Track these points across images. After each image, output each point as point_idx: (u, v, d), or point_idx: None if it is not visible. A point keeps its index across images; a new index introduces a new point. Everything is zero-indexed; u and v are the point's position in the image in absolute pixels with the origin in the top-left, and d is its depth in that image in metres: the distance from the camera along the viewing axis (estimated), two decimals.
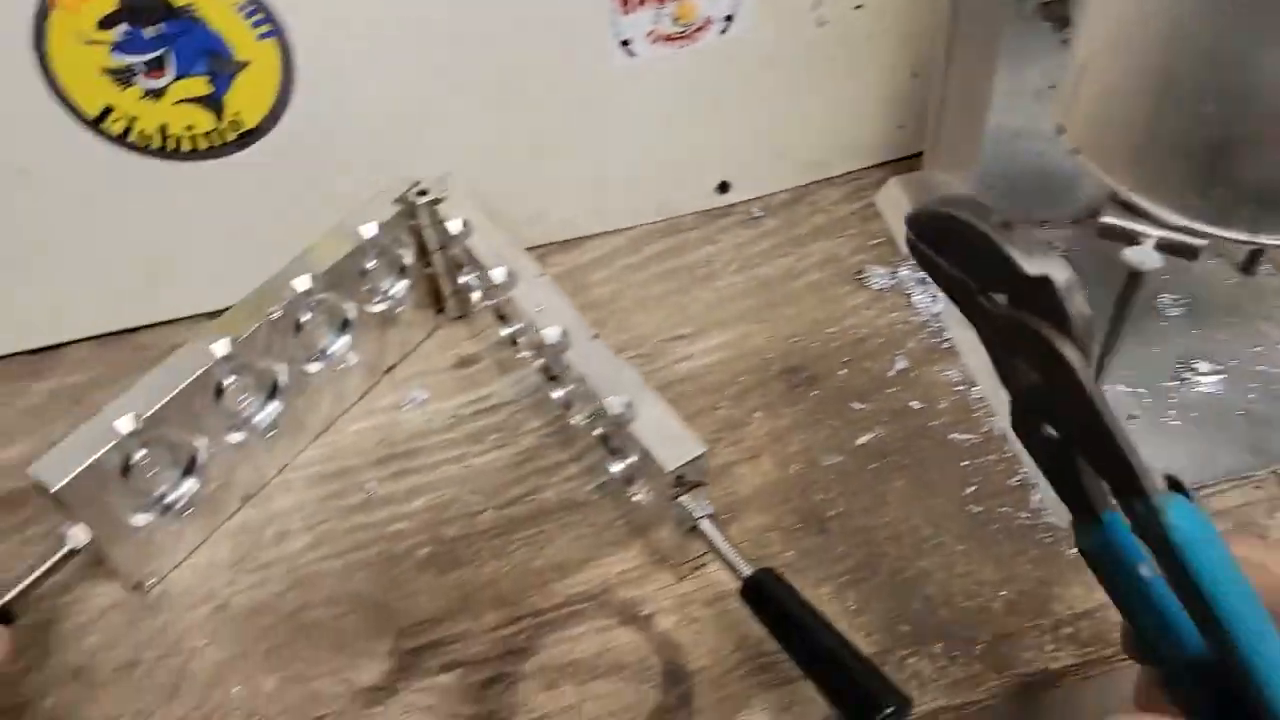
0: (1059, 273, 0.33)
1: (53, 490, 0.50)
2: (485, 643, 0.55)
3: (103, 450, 0.51)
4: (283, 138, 0.64)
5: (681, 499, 0.52)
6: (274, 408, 0.59)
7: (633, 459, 0.55)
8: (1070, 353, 0.33)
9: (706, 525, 0.52)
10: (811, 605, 0.49)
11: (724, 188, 0.79)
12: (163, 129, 0.61)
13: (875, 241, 0.77)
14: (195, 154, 0.63)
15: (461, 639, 0.55)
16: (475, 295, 0.66)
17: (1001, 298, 0.35)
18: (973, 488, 0.61)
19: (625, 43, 0.67)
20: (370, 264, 0.61)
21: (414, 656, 0.55)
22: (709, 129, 0.75)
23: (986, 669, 0.53)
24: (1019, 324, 0.34)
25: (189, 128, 0.62)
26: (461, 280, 0.66)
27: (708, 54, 0.69)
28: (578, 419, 0.59)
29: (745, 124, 0.76)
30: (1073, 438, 0.35)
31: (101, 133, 0.60)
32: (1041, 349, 0.33)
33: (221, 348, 0.54)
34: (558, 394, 0.59)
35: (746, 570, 0.51)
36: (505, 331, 0.63)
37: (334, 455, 0.64)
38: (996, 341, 0.36)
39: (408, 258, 0.65)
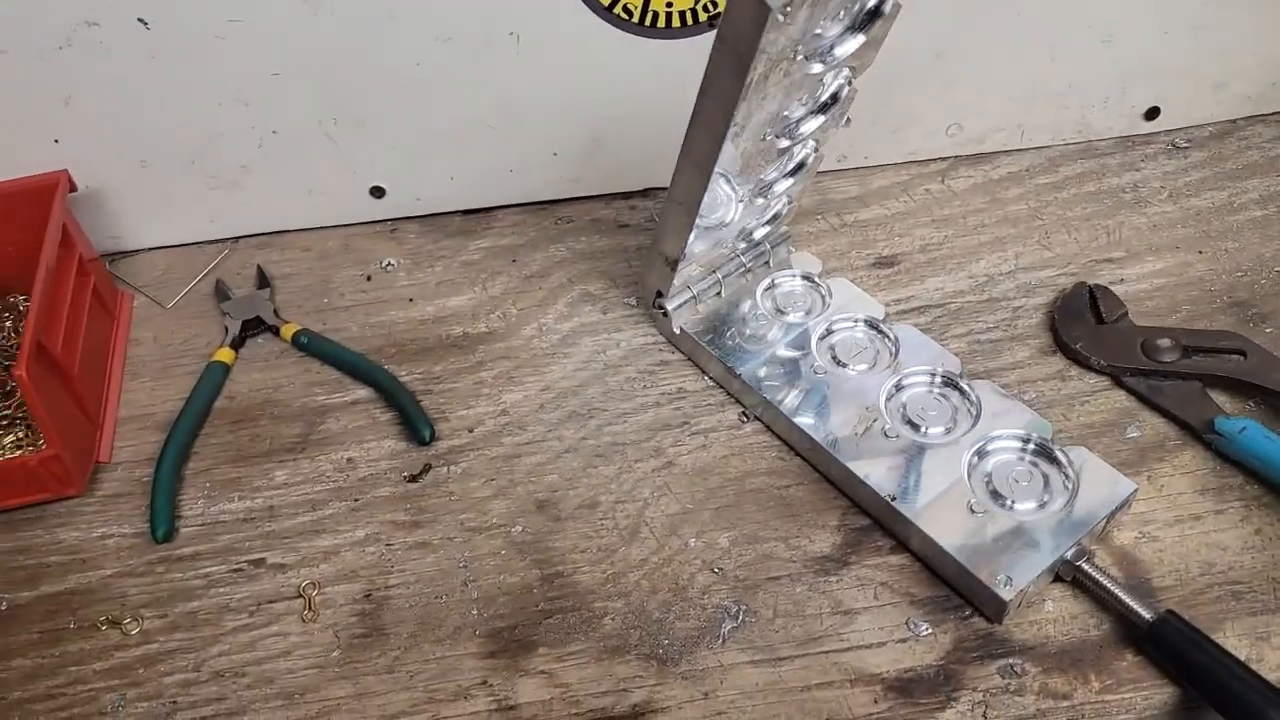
0: None
1: None
2: None
3: None
4: None
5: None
6: None
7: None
8: None
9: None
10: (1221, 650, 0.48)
11: (1153, 114, 0.75)
12: (646, 3, 0.63)
13: None
14: (668, 30, 0.65)
15: None
16: None
17: None
18: None
19: None
20: None
21: (862, 534, 0.56)
22: (1151, 49, 0.72)
23: None
24: None
25: (669, 4, 0.64)
26: None
27: None
28: None
29: (1189, 48, 0.72)
30: None
31: (594, 2, 0.63)
32: None
33: None
34: None
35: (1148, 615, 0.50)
36: None
37: None
38: None
39: None
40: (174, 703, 0.52)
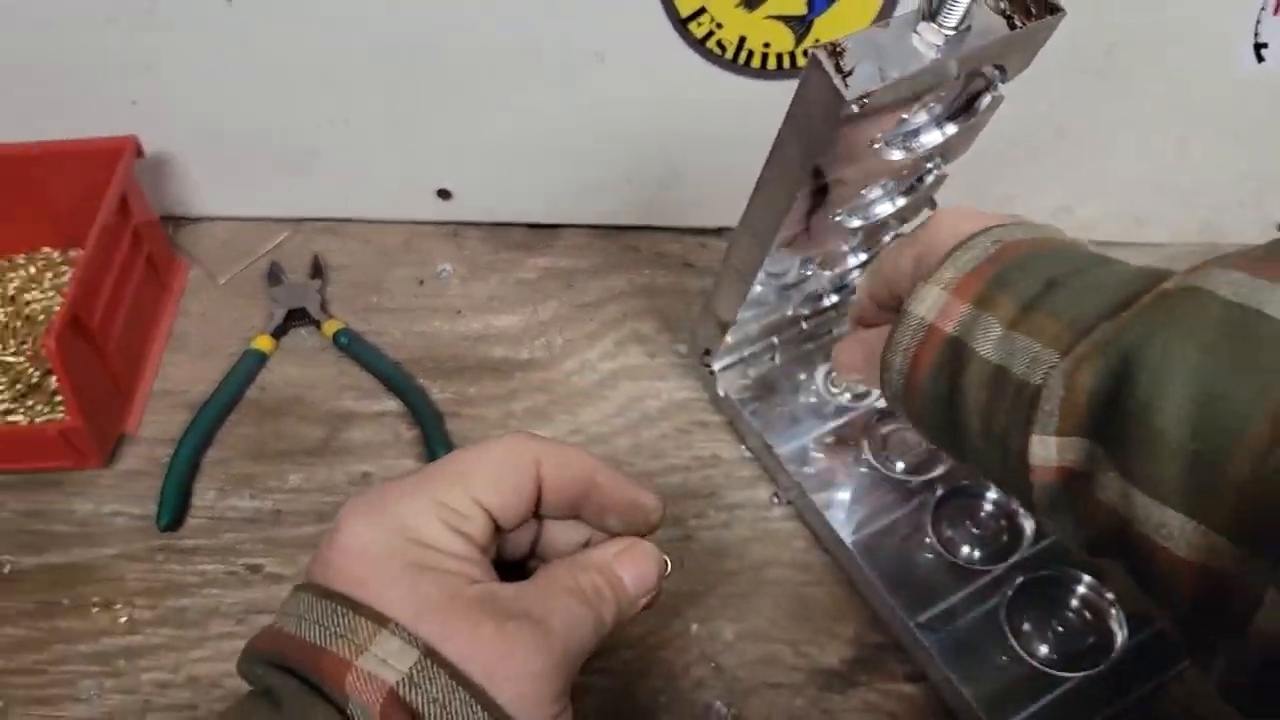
0: None
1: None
2: None
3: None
4: None
5: None
6: None
7: None
8: None
9: None
10: None
11: None
12: (741, 40, 0.59)
13: None
14: (762, 71, 0.61)
15: None
16: None
17: None
18: None
19: (1260, 46, 0.57)
20: None
21: (878, 653, 0.52)
22: None
23: None
24: None
25: (766, 44, 0.59)
26: None
27: None
28: None
29: None
30: None
31: (686, 33, 0.59)
32: None
33: None
34: None
35: None
36: None
37: None
38: None
39: None
40: (147, 701, 0.51)
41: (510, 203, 0.72)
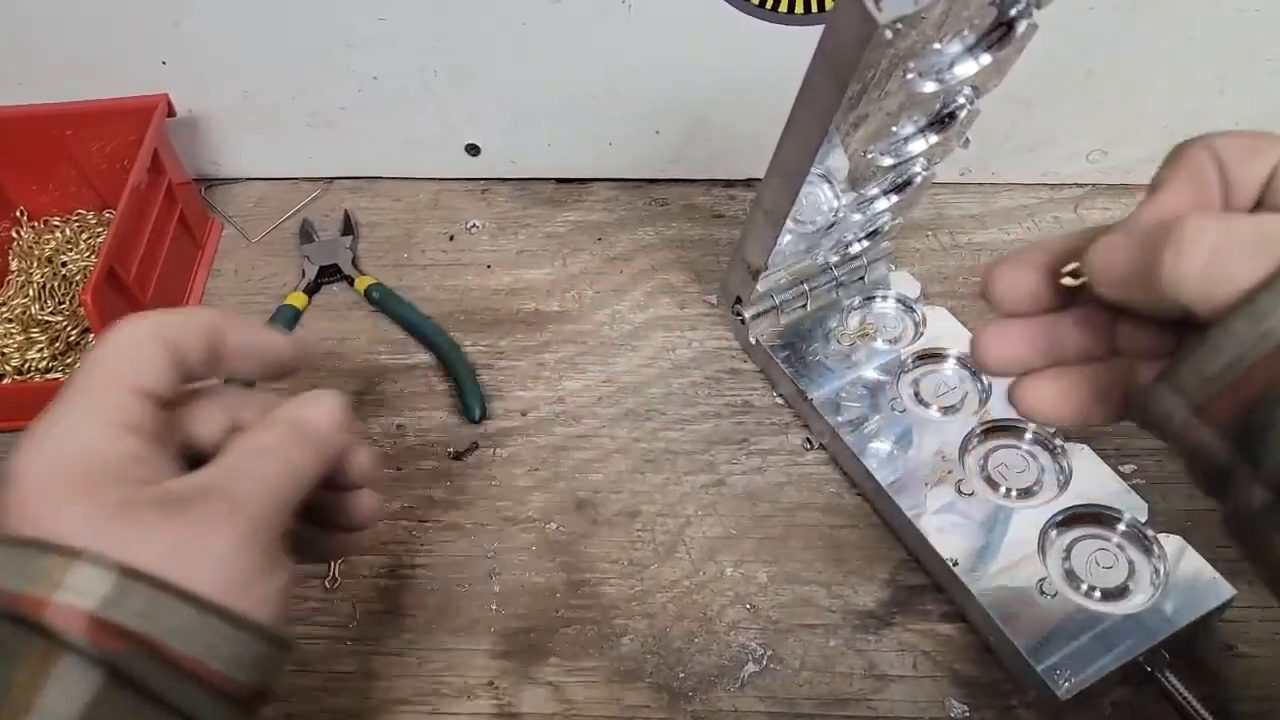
0: None
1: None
2: None
3: None
4: None
5: None
6: None
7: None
8: None
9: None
10: None
11: None
12: None
13: None
14: (790, 16, 0.60)
15: None
16: None
17: None
18: None
19: None
20: None
21: (913, 594, 0.52)
22: None
23: None
24: None
25: None
26: None
27: None
28: None
29: None
30: None
31: None
32: None
33: None
34: None
35: None
36: None
37: None
38: None
39: None
40: None
41: (538, 158, 0.72)
